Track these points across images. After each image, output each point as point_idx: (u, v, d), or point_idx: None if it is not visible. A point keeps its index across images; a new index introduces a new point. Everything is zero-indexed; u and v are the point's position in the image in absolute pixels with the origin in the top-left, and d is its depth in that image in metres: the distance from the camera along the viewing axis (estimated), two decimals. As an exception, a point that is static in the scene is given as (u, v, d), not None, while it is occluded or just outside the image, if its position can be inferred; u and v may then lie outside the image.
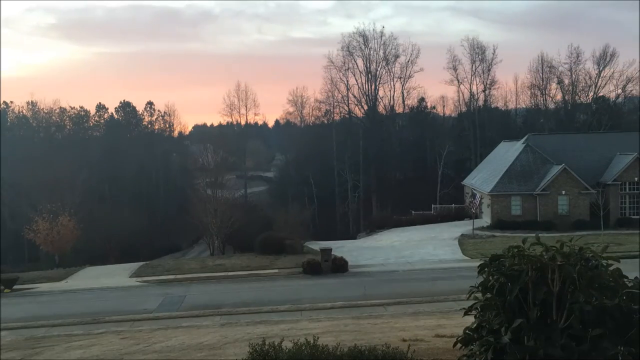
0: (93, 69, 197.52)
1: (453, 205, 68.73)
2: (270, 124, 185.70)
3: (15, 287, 34.95)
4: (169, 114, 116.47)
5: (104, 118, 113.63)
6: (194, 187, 75.18)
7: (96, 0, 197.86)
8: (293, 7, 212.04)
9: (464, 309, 7.00)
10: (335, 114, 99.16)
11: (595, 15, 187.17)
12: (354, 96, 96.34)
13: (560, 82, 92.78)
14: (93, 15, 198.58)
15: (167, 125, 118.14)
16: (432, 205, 71.49)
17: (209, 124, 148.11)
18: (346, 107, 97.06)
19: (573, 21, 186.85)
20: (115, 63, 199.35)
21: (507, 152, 62.99)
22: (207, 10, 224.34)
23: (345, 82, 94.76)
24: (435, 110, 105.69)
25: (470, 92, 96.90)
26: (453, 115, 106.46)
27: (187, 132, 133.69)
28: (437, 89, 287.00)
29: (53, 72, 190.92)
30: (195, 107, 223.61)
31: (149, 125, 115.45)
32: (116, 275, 38.25)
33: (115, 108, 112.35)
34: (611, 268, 6.54)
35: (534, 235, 7.48)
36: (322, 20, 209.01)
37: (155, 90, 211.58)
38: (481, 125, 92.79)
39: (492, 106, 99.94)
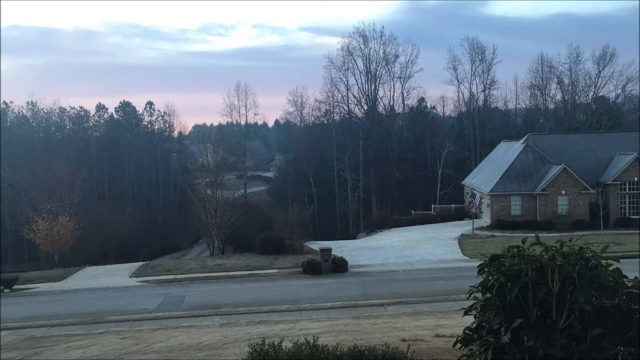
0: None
1: (453, 205, 68.76)
2: (270, 124, 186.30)
3: (15, 287, 34.96)
4: (169, 114, 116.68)
5: (104, 118, 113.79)
6: (194, 187, 75.11)
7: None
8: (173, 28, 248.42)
9: (464, 309, 7.00)
10: (335, 114, 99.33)
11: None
12: (354, 96, 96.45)
13: (560, 82, 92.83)
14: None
15: (167, 125, 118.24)
16: (432, 205, 71.51)
17: (208, 124, 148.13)
18: (346, 107, 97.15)
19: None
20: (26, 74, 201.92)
21: (507, 152, 63.00)
22: (85, 30, 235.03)
23: (345, 82, 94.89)
24: (435, 110, 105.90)
25: (470, 92, 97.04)
26: (453, 115, 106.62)
27: (187, 132, 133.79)
28: (437, 89, 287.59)
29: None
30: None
31: (149, 125, 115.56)
32: (116, 275, 38.24)
33: (115, 108, 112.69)
34: (611, 268, 6.53)
35: (533, 235, 7.48)
36: (203, 38, 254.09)
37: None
38: (481, 125, 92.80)
39: (492, 106, 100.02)
